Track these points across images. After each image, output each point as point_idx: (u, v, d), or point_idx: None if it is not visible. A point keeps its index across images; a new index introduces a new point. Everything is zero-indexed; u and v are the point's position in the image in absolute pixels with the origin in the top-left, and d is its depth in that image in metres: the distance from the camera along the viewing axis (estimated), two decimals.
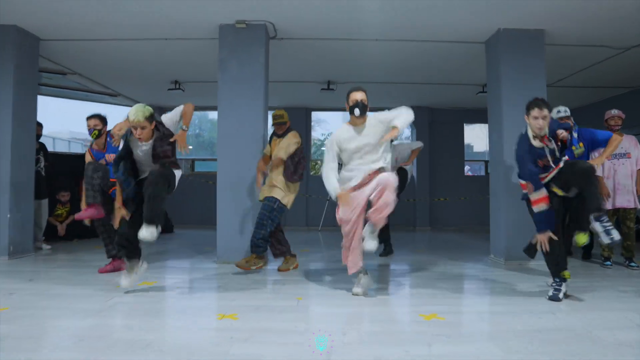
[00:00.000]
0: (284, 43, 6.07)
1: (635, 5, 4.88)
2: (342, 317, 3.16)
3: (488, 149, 6.08)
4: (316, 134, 12.78)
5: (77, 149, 15.65)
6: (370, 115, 3.82)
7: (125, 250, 3.65)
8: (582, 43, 6.02)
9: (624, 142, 5.29)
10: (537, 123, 3.48)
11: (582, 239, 3.49)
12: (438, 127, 10.69)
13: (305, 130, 10.32)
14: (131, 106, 10.33)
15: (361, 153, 3.71)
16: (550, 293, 3.59)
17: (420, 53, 6.53)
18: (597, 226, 3.30)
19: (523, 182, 3.69)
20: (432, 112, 10.57)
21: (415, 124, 10.48)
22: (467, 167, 11.34)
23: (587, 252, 5.69)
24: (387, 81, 8.17)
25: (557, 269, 3.61)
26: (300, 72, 7.67)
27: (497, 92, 5.68)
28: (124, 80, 8.25)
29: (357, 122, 3.76)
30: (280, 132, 4.89)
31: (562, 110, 4.90)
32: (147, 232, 3.39)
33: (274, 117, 4.89)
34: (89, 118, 4.66)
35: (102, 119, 4.67)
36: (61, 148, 14.63)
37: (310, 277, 4.53)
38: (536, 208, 3.51)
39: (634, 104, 8.45)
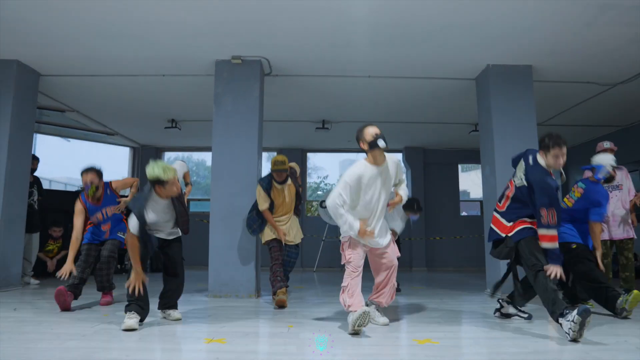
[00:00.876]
0: (279, 80, 6.21)
1: (618, 42, 5.06)
2: (335, 342, 3.06)
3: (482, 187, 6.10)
4: (311, 178, 12.83)
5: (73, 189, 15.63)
6: (389, 156, 3.56)
7: (139, 308, 3.43)
8: (570, 79, 6.19)
9: (617, 174, 5.32)
10: (558, 161, 3.43)
11: None
12: (432, 168, 10.77)
13: (301, 173, 10.36)
14: (128, 145, 10.41)
15: (383, 198, 3.46)
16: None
17: (412, 90, 6.68)
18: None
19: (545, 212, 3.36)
20: (425, 152, 10.69)
21: (410, 165, 10.58)
22: (463, 213, 11.31)
23: None
24: (380, 121, 8.28)
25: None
26: (295, 111, 7.80)
27: (489, 126, 5.77)
28: (122, 118, 8.36)
29: (380, 159, 3.41)
30: (280, 179, 4.75)
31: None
32: (177, 314, 3.72)
33: (275, 164, 4.70)
34: (84, 172, 4.38)
35: (98, 173, 4.41)
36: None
37: (303, 309, 4.42)
38: (551, 244, 3.34)
39: (624, 142, 8.59)
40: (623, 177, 5.34)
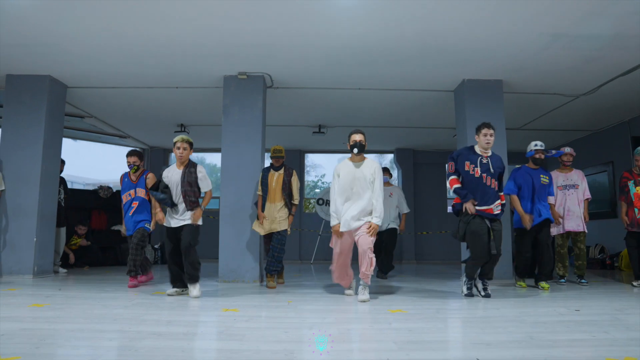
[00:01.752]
0: (280, 91, 7.00)
1: (577, 58, 5.81)
2: (325, 311, 3.85)
3: None
4: (310, 177, 13.63)
5: (80, 187, 16.40)
6: (370, 157, 4.76)
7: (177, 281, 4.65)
8: (537, 91, 6.98)
9: (573, 175, 6.14)
10: (485, 139, 4.69)
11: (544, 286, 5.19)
12: (422, 168, 11.57)
13: (299, 170, 11.17)
14: (138, 147, 11.23)
15: (356, 186, 4.48)
16: (465, 291, 4.74)
17: (398, 99, 7.47)
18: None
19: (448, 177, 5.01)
20: (415, 154, 11.49)
21: (400, 165, 11.39)
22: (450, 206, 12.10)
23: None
24: (372, 125, 9.09)
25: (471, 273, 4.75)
26: (294, 117, 8.59)
27: (464, 134, 6.56)
28: (135, 123, 9.14)
29: (356, 158, 4.63)
30: (277, 164, 5.71)
31: (539, 144, 5.56)
32: (195, 291, 4.45)
33: (274, 152, 5.71)
34: (129, 155, 5.42)
35: (140, 156, 5.44)
36: None
37: (300, 290, 5.22)
38: (453, 190, 4.79)
39: (595, 146, 9.41)
40: (579, 179, 6.14)
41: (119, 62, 6.04)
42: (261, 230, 5.63)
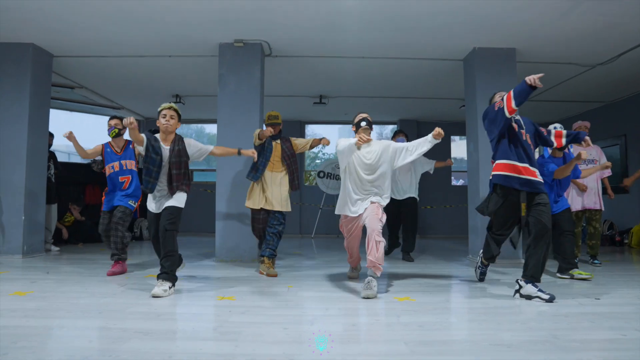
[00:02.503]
0: (279, 60, 6.60)
1: (597, 25, 5.41)
2: (326, 299, 3.60)
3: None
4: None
5: (75, 160, 16.07)
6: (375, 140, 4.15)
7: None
8: (552, 60, 6.58)
9: (592, 150, 5.82)
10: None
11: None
12: None
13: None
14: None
15: (362, 170, 3.99)
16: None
17: (403, 69, 7.07)
18: (529, 289, 3.54)
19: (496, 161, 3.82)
20: (419, 125, 11.12)
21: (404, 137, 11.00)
22: (454, 178, 11.82)
23: None
24: (375, 95, 8.71)
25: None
26: (294, 88, 8.19)
27: (473, 105, 6.20)
28: (128, 93, 8.75)
29: (363, 139, 3.97)
30: (274, 133, 5.05)
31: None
32: (158, 290, 3.53)
33: (270, 117, 5.05)
34: (111, 118, 4.87)
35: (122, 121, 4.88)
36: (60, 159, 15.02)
37: (301, 272, 4.97)
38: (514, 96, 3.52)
39: (609, 118, 9.03)
40: (598, 154, 5.82)
41: (107, 29, 5.64)
42: (255, 203, 4.90)
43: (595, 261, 5.58)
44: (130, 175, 4.90)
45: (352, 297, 3.65)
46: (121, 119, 4.72)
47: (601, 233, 6.18)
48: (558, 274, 4.71)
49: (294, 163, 5.07)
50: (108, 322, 2.78)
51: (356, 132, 4.14)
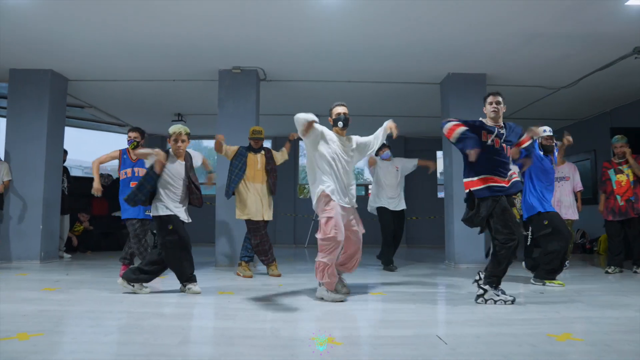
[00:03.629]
0: (273, 84, 7.29)
1: (553, 55, 6.12)
2: (312, 293, 4.21)
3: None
4: (304, 161, 13.92)
5: (77, 174, 16.69)
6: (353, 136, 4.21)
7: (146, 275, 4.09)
8: (520, 84, 7.29)
9: (564, 168, 6.48)
10: (491, 107, 3.84)
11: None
12: (413, 155, 11.82)
13: (292, 156, 11.48)
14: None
15: (341, 160, 3.94)
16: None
17: (387, 91, 7.78)
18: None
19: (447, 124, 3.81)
20: (406, 141, 11.81)
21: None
22: (440, 193, 12.46)
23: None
24: (362, 114, 9.39)
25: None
26: (287, 107, 8.86)
27: None
28: (133, 112, 9.44)
29: (341, 133, 4.07)
30: (257, 146, 5.51)
31: (548, 130, 5.28)
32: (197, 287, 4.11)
33: (254, 132, 5.46)
34: (130, 130, 5.27)
35: (142, 133, 5.29)
36: None
37: (291, 275, 5.60)
38: (455, 134, 3.69)
39: (580, 134, 9.72)
40: (571, 171, 6.46)
41: (118, 57, 6.31)
42: (255, 214, 5.28)
43: (566, 262, 6.26)
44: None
45: None
46: (141, 131, 5.31)
47: (574, 240, 6.86)
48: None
49: (274, 171, 5.57)
50: (129, 308, 3.41)
51: (333, 125, 4.12)
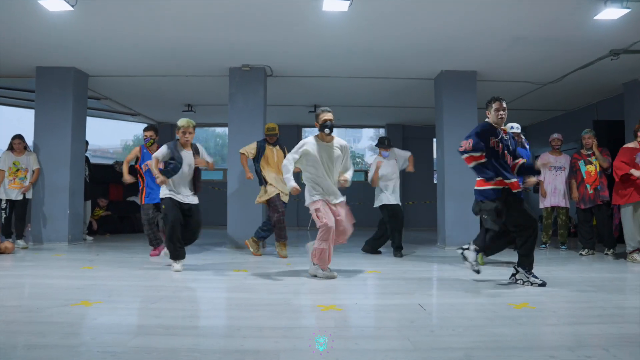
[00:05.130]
0: (279, 79, 7.84)
1: (537, 56, 6.64)
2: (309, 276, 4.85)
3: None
4: None
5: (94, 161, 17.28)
6: (337, 138, 4.62)
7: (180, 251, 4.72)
8: (508, 79, 7.83)
9: (561, 158, 7.09)
10: (498, 114, 4.06)
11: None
12: (410, 142, 12.46)
13: (296, 144, 12.04)
14: (147, 124, 12.04)
15: (327, 164, 4.44)
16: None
17: (386, 86, 8.33)
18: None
19: (466, 154, 4.06)
20: (405, 129, 12.38)
21: (391, 140, 12.26)
22: (436, 176, 13.06)
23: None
24: (363, 105, 9.97)
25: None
26: (292, 99, 9.45)
27: (441, 118, 7.46)
28: (146, 103, 10.00)
29: (327, 139, 4.50)
30: (272, 141, 6.24)
31: (515, 127, 5.67)
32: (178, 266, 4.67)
33: (269, 129, 6.16)
34: (146, 129, 5.99)
35: (156, 130, 6.03)
36: None
37: (299, 255, 6.24)
38: (472, 165, 4.05)
39: (568, 125, 10.29)
40: (567, 162, 7.02)
41: (135, 56, 6.85)
42: (271, 192, 5.91)
43: (563, 247, 7.02)
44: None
45: (334, 269, 4.91)
46: (154, 129, 6.02)
47: (555, 224, 7.52)
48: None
49: None
50: (163, 282, 4.05)
51: (320, 130, 4.51)
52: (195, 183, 4.97)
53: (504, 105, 4.12)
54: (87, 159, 8.10)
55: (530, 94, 8.74)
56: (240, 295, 3.63)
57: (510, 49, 6.38)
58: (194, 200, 4.92)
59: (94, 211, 8.80)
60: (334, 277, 4.35)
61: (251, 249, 6.11)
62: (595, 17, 5.07)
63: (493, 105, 4.12)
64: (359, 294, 3.72)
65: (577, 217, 6.83)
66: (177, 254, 4.70)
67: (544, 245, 7.13)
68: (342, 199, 4.59)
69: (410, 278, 4.51)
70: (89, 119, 11.62)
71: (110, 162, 10.43)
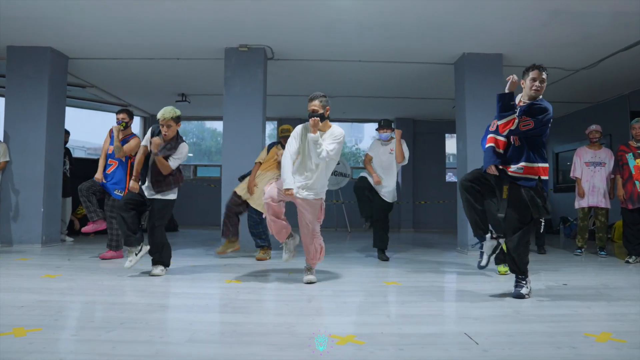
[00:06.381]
0: (280, 63, 7.02)
1: (575, 35, 5.82)
2: (324, 282, 4.03)
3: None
4: None
5: (80, 155, 16.52)
6: (335, 126, 4.07)
7: (128, 238, 4.14)
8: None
9: (601, 153, 6.29)
10: (534, 85, 3.47)
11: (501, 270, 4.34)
12: (421, 137, 11.65)
13: None
14: (139, 115, 11.23)
15: (309, 155, 3.92)
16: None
17: (399, 71, 7.48)
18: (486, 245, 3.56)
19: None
20: (415, 123, 11.54)
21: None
22: (449, 174, 12.24)
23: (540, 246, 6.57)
24: (372, 95, 9.13)
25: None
26: (295, 88, 8.61)
27: (462, 106, 6.63)
28: (136, 92, 9.18)
29: (312, 129, 3.91)
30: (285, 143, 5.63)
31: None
32: (157, 270, 4.13)
33: (282, 131, 5.62)
34: (119, 112, 5.36)
35: (130, 114, 5.45)
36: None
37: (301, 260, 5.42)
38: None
39: (596, 117, 9.45)
40: (607, 157, 6.25)
41: (121, 34, 6.04)
42: (246, 194, 5.36)
43: (602, 252, 6.14)
44: (117, 162, 5.33)
45: (345, 280, 4.09)
46: (128, 112, 5.44)
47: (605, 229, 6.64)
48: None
49: None
50: (133, 299, 3.22)
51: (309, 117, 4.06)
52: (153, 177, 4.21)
53: (544, 76, 3.48)
54: (67, 151, 7.29)
55: (556, 83, 7.90)
56: (229, 319, 2.80)
57: (544, 26, 5.55)
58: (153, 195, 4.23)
59: (77, 209, 7.98)
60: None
61: (267, 257, 5.47)
62: None
63: (530, 73, 3.50)
64: (382, 316, 2.89)
65: (622, 219, 5.99)
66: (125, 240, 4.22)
67: (579, 251, 6.29)
68: (312, 196, 3.90)
69: (440, 293, 3.69)
70: (77, 112, 10.91)
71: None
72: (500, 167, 3.48)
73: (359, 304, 3.30)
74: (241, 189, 5.46)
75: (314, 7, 5.25)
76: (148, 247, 4.21)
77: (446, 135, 11.89)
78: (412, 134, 11.53)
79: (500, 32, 5.84)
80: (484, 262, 3.58)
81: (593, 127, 6.36)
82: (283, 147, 5.52)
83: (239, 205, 5.46)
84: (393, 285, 3.91)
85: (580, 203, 6.28)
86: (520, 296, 3.34)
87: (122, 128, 5.30)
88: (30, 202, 6.22)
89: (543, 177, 3.42)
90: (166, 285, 3.79)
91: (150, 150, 4.18)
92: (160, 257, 4.22)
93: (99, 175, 5.30)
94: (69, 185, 7.12)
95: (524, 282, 3.42)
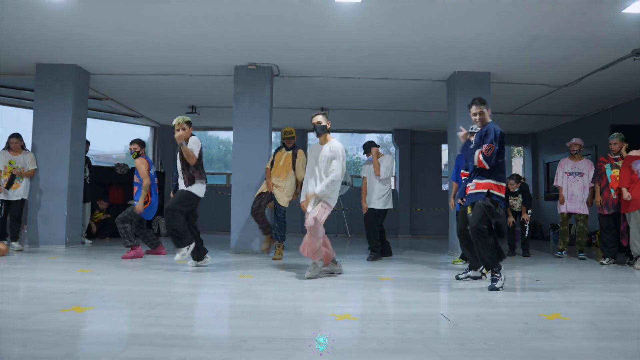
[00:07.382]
0: (286, 79, 7.59)
1: (556, 56, 6.38)
2: (325, 278, 4.56)
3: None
4: None
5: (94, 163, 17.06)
6: (334, 140, 4.65)
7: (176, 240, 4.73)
8: (523, 82, 7.57)
9: (581, 164, 6.86)
10: (474, 118, 4.38)
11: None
12: (419, 147, 12.20)
13: (302, 148, 11.79)
14: (150, 125, 11.80)
15: (313, 166, 4.62)
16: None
17: (396, 87, 8.06)
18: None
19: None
20: (412, 134, 12.10)
21: (398, 145, 12.03)
22: (444, 185, 12.76)
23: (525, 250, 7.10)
24: (371, 108, 9.70)
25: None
26: (298, 101, 9.19)
27: (454, 120, 7.18)
28: (148, 104, 9.76)
29: (321, 140, 4.66)
30: (289, 145, 6.19)
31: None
32: (178, 255, 4.70)
33: (285, 133, 6.16)
34: (131, 143, 6.14)
35: (141, 144, 6.17)
36: None
37: (306, 261, 5.95)
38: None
39: (582, 130, 10.01)
40: (586, 167, 6.79)
41: (138, 53, 6.62)
42: (265, 187, 6.12)
43: (581, 255, 6.69)
44: (136, 187, 6.03)
45: (344, 275, 4.62)
46: (139, 142, 6.15)
47: (570, 232, 7.27)
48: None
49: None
50: (162, 288, 3.76)
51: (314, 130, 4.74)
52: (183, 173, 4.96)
53: (475, 107, 4.40)
54: (87, 159, 7.85)
55: (543, 97, 8.47)
56: (245, 303, 3.34)
57: (527, 48, 6.12)
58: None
59: (94, 214, 8.54)
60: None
61: (280, 256, 6.12)
62: (624, 11, 4.81)
63: (470, 110, 4.48)
64: (374, 301, 3.43)
65: (599, 224, 6.50)
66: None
67: (559, 253, 6.84)
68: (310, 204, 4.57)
69: (427, 286, 4.22)
70: (91, 122, 11.48)
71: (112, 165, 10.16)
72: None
73: (355, 293, 3.83)
74: (262, 188, 6.19)
75: (317, 31, 5.82)
76: (194, 244, 4.81)
77: (442, 145, 12.44)
78: (410, 144, 12.09)
79: (487, 53, 6.40)
80: (462, 276, 4.51)
81: (573, 140, 6.92)
82: (286, 148, 6.22)
83: (260, 202, 6.08)
84: (387, 280, 4.44)
85: (560, 209, 6.85)
86: (494, 289, 3.89)
87: (134, 157, 6.03)
88: (56, 206, 6.78)
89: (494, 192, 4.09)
90: (188, 278, 4.33)
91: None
92: (176, 241, 4.71)
93: (141, 207, 5.88)
94: (88, 191, 7.67)
95: (499, 276, 3.96)
